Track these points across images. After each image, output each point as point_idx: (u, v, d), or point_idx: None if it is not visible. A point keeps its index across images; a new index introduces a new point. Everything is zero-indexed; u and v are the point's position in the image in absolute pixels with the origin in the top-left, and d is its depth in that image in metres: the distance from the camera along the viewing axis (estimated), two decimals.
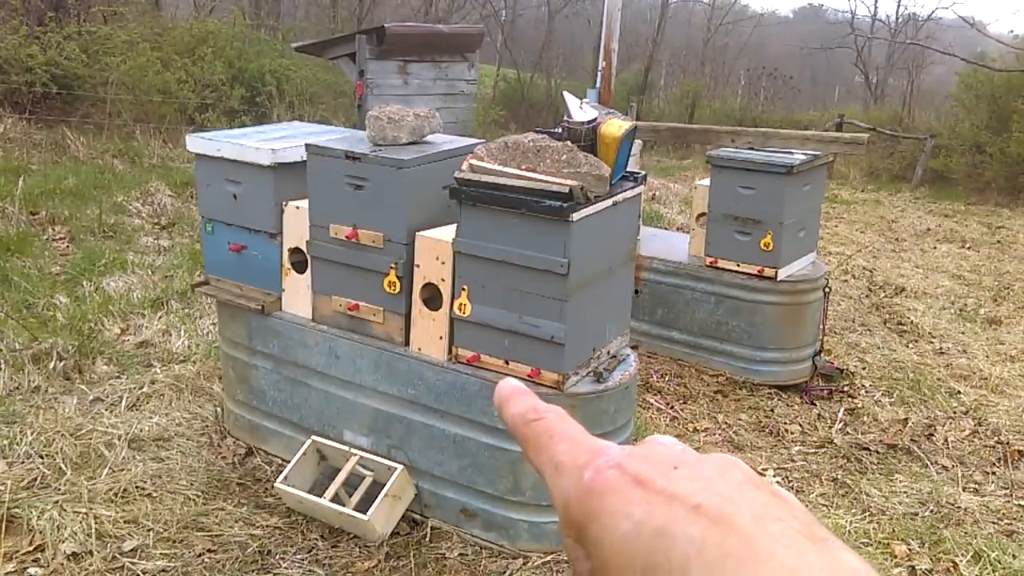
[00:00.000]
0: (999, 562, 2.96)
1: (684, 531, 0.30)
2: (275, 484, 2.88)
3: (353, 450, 2.92)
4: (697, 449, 2.40)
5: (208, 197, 3.17)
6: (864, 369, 4.72)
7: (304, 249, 2.97)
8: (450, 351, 2.75)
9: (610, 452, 0.35)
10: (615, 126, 2.71)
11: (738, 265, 4.27)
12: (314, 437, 3.01)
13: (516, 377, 2.62)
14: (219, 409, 3.51)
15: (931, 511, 3.31)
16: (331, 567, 2.69)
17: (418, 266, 2.73)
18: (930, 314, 5.82)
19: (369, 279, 2.82)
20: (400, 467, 2.82)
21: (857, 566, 0.30)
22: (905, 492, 3.46)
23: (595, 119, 2.72)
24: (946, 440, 3.94)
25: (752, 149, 4.53)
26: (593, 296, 2.66)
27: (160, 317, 4.49)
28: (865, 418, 4.12)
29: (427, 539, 2.82)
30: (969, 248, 8.16)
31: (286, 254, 3.05)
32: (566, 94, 2.91)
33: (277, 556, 2.73)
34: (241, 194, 3.05)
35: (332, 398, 3.01)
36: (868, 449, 3.80)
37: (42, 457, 3.13)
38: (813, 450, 3.79)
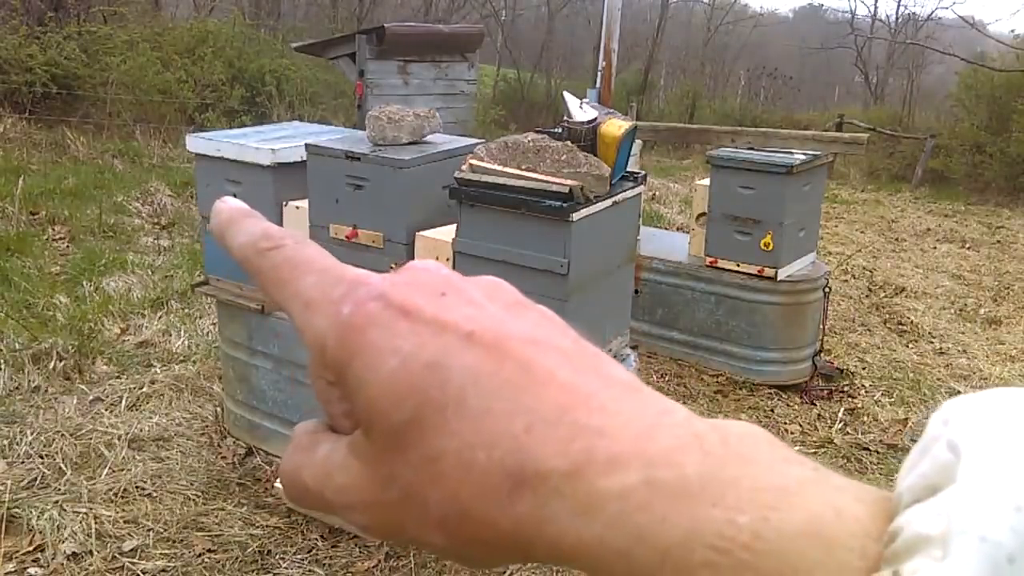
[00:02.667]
0: None
1: (458, 361, 0.28)
2: (275, 484, 2.88)
3: None
4: None
5: (208, 197, 3.17)
6: (864, 369, 4.72)
7: None
8: None
9: (369, 281, 0.31)
10: (615, 126, 2.71)
11: (738, 265, 4.27)
12: None
13: None
14: (219, 409, 3.52)
15: None
16: (331, 567, 2.69)
17: None
18: (930, 314, 5.82)
19: None
20: None
21: (627, 378, 0.29)
22: None
23: (595, 119, 2.73)
24: None
25: (752, 149, 4.53)
26: (593, 296, 2.66)
27: (160, 317, 4.49)
28: (865, 418, 4.12)
29: None
30: (969, 248, 8.16)
31: None
32: (566, 94, 2.91)
33: (277, 556, 2.73)
34: (241, 194, 3.04)
35: None
36: (868, 449, 3.80)
37: (42, 457, 3.13)
38: (813, 450, 3.79)
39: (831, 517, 0.24)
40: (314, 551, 2.77)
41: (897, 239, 8.33)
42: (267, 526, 2.88)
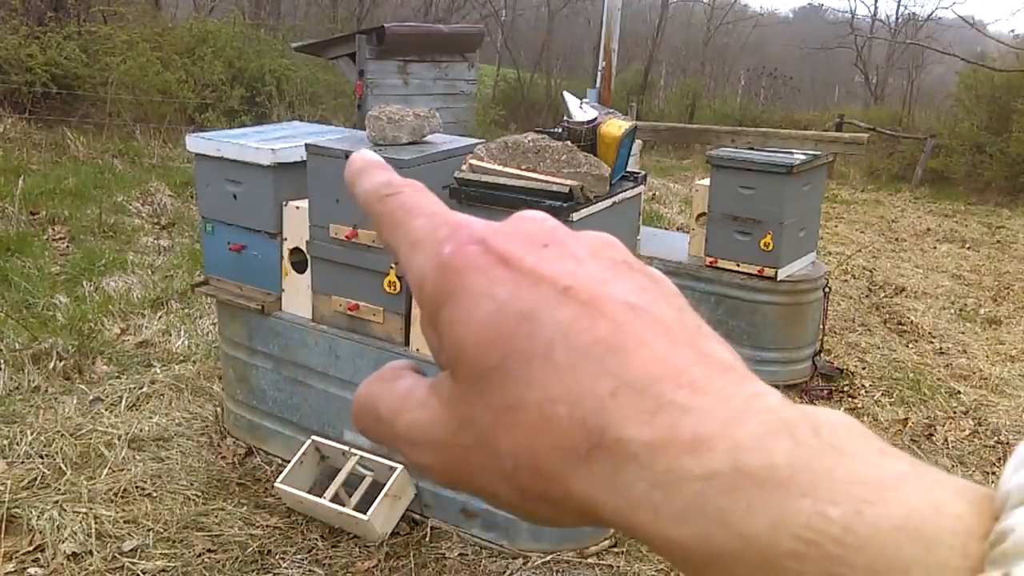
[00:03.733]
0: None
1: (551, 315, 0.28)
2: (275, 484, 2.88)
3: (353, 450, 2.92)
4: None
5: (208, 197, 3.17)
6: (864, 369, 4.72)
7: (304, 249, 2.97)
8: None
9: (473, 226, 0.31)
10: (615, 126, 2.71)
11: (738, 265, 4.27)
12: (314, 437, 3.01)
13: None
14: (219, 409, 3.51)
15: None
16: (331, 567, 2.69)
17: None
18: (930, 314, 5.82)
19: (369, 279, 2.82)
20: (400, 467, 2.82)
21: (723, 355, 0.28)
22: None
23: (595, 119, 2.73)
24: (946, 440, 3.94)
25: (752, 149, 4.53)
26: None
27: (160, 317, 4.50)
28: (865, 418, 4.12)
29: (427, 539, 2.82)
30: (969, 248, 8.16)
31: (286, 254, 3.05)
32: (566, 94, 2.91)
33: (277, 556, 2.73)
34: (241, 194, 3.05)
35: (332, 398, 3.02)
36: None
37: (42, 457, 3.13)
38: None
39: (930, 513, 0.23)
40: (314, 551, 2.77)
41: (897, 239, 8.33)
42: (267, 526, 2.88)
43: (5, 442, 3.19)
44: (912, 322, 5.57)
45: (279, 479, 2.87)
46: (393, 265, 2.75)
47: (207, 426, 3.48)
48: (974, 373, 4.80)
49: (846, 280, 6.46)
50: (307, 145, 2.85)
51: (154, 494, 3.00)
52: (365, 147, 2.78)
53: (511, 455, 0.28)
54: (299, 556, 2.74)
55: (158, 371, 3.89)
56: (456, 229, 0.31)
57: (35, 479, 3.00)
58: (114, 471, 3.10)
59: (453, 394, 0.30)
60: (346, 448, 2.94)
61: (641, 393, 0.26)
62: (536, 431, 0.27)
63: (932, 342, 5.28)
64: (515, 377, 0.27)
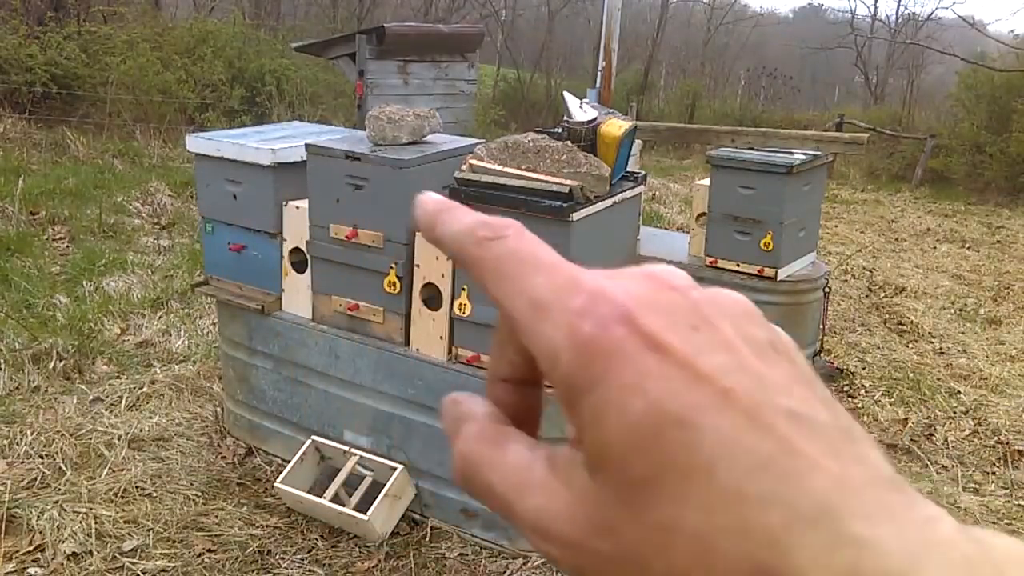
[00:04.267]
0: None
1: (712, 423, 0.25)
2: (275, 484, 2.88)
3: (353, 450, 2.92)
4: None
5: (208, 197, 3.17)
6: (864, 369, 4.72)
7: (304, 249, 2.97)
8: (450, 351, 2.75)
9: (613, 298, 0.28)
10: (615, 126, 2.71)
11: (738, 265, 4.27)
12: (314, 437, 3.01)
13: None
14: (219, 409, 3.51)
15: None
16: (331, 567, 2.69)
17: (418, 266, 2.73)
18: (930, 314, 5.82)
19: (369, 279, 2.82)
20: (400, 467, 2.82)
21: (890, 472, 0.26)
22: None
23: (595, 119, 2.73)
24: (946, 440, 3.94)
25: (752, 149, 4.53)
26: None
27: (160, 317, 4.49)
28: (865, 418, 4.12)
29: (427, 539, 2.82)
30: (969, 248, 8.16)
31: (286, 254, 3.05)
32: (566, 94, 2.91)
33: (277, 556, 2.73)
34: (241, 194, 3.05)
35: (332, 398, 3.01)
36: None
37: (42, 457, 3.13)
38: None
39: None
40: (314, 551, 2.77)
41: (897, 239, 8.33)
42: (267, 526, 2.87)
43: (5, 442, 3.19)
44: (912, 322, 5.57)
45: (279, 479, 2.87)
46: (393, 265, 2.75)
47: (207, 426, 3.48)
48: (974, 373, 4.80)
49: (846, 280, 6.46)
50: (307, 145, 2.85)
51: (154, 494, 3.00)
52: (365, 147, 2.78)
53: None
54: (299, 556, 2.74)
55: (158, 371, 3.89)
56: (593, 300, 0.28)
57: (35, 479, 3.00)
58: (114, 471, 3.10)
59: (591, 494, 0.27)
60: (346, 448, 2.94)
61: (815, 525, 0.24)
62: (694, 559, 0.25)
63: (932, 342, 5.28)
64: (671, 494, 0.25)
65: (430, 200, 0.32)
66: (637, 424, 0.25)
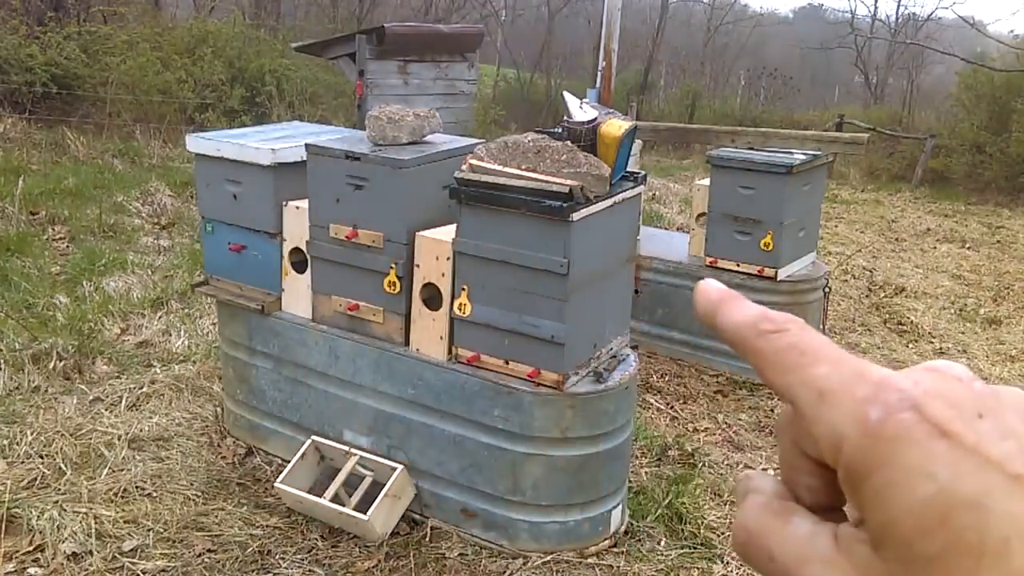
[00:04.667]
0: None
1: (1003, 506, 0.26)
2: (275, 484, 2.88)
3: (353, 450, 2.92)
4: (695, 450, 2.40)
5: (208, 197, 3.17)
6: None
7: (304, 249, 2.97)
8: (450, 351, 2.75)
9: (900, 387, 0.29)
10: (615, 126, 2.71)
11: (738, 265, 4.27)
12: (314, 437, 3.01)
13: (516, 377, 2.63)
14: (219, 409, 3.51)
15: None
16: (331, 567, 2.69)
17: (418, 266, 2.73)
18: (930, 314, 5.82)
19: (369, 279, 2.82)
20: (400, 467, 2.82)
21: None
22: None
23: (595, 119, 2.72)
24: None
25: (752, 149, 4.53)
26: (593, 296, 2.66)
27: (160, 317, 4.49)
28: None
29: (427, 539, 2.82)
30: (969, 248, 8.16)
31: (286, 254, 3.05)
32: (566, 94, 2.91)
33: (277, 556, 2.73)
34: (241, 194, 3.05)
35: (332, 398, 3.01)
36: None
37: (42, 457, 3.13)
38: None
39: None
40: (314, 551, 2.76)
41: (897, 239, 8.33)
42: (267, 526, 2.87)
43: (5, 442, 3.19)
44: (912, 322, 5.57)
45: (279, 479, 2.87)
46: (393, 265, 2.75)
47: (207, 426, 3.48)
48: (974, 373, 4.80)
49: (846, 280, 6.45)
50: (307, 145, 2.85)
51: (154, 494, 3.00)
52: (365, 147, 2.78)
53: None
54: (299, 556, 2.74)
55: (158, 371, 3.89)
56: (880, 388, 0.29)
57: (35, 479, 3.00)
58: (114, 471, 3.10)
59: (875, 570, 0.28)
60: (346, 448, 2.94)
61: None
62: None
63: (932, 342, 5.28)
64: (959, 571, 0.26)
65: (713, 289, 0.35)
66: (925, 504, 0.26)
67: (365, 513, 2.70)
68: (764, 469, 3.55)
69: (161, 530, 2.80)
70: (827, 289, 4.44)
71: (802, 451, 0.31)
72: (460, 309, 2.67)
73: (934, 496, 0.26)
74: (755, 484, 0.33)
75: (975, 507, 0.26)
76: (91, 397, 3.60)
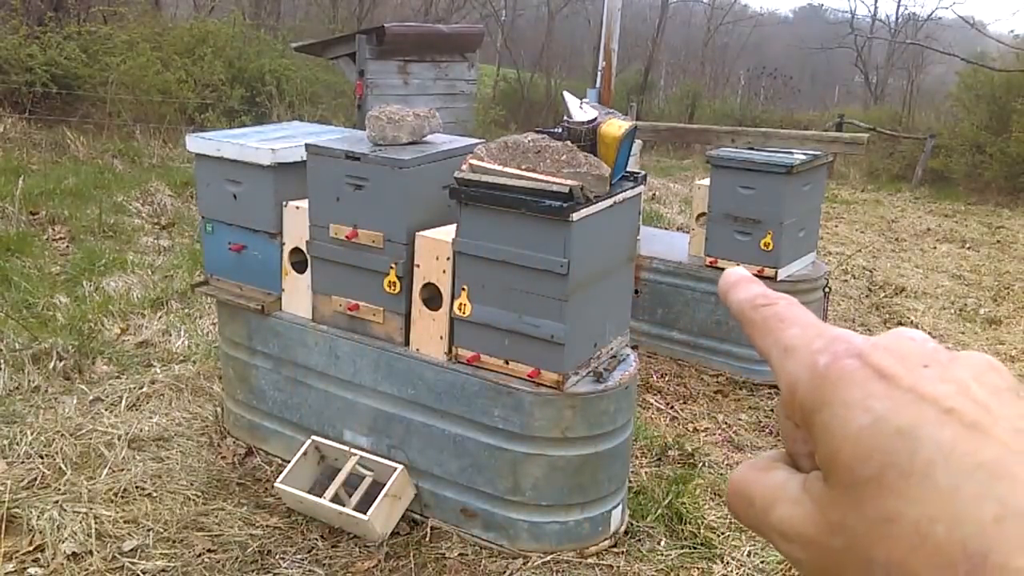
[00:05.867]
0: None
1: (932, 434, 0.28)
2: (275, 484, 2.88)
3: (353, 450, 2.92)
4: (695, 450, 2.39)
5: (208, 197, 3.17)
6: None
7: (304, 249, 2.97)
8: (450, 351, 2.75)
9: (849, 340, 0.33)
10: (615, 126, 2.71)
11: (738, 265, 4.27)
12: (314, 437, 3.01)
13: (516, 377, 2.63)
14: (219, 409, 3.51)
15: None
16: (331, 567, 2.69)
17: (418, 266, 2.73)
18: (930, 314, 5.82)
19: (369, 279, 2.82)
20: (400, 467, 2.82)
21: None
22: None
23: (595, 119, 2.72)
24: None
25: (752, 149, 4.53)
26: (593, 296, 2.66)
27: (160, 317, 4.49)
28: None
29: (427, 539, 2.82)
30: (969, 248, 8.15)
31: (286, 254, 3.05)
32: (566, 94, 2.91)
33: (277, 556, 2.73)
34: (241, 194, 3.05)
35: (332, 398, 3.01)
36: None
37: (42, 457, 3.13)
38: None
39: None
40: (314, 551, 2.76)
41: (897, 239, 8.33)
42: (267, 526, 2.87)
43: (5, 442, 3.19)
44: (912, 322, 5.57)
45: (279, 479, 2.87)
46: (393, 265, 2.75)
47: (207, 426, 3.48)
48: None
49: (846, 280, 6.45)
50: (307, 145, 2.85)
51: (154, 494, 3.00)
52: (365, 147, 2.78)
53: (883, 565, 0.29)
54: (299, 556, 2.74)
55: (158, 371, 3.88)
56: (832, 341, 0.33)
57: (35, 479, 3.00)
58: (114, 471, 3.10)
59: (826, 497, 0.31)
60: (346, 448, 2.94)
61: None
62: (912, 547, 0.28)
63: None
64: (892, 491, 0.28)
65: (732, 272, 0.39)
66: (861, 434, 0.30)
67: (365, 513, 2.70)
68: None
69: (161, 530, 2.80)
70: (827, 289, 4.44)
71: (793, 422, 0.34)
72: (460, 309, 2.67)
73: (870, 425, 0.29)
74: (761, 457, 0.37)
75: (905, 434, 0.29)
76: (91, 397, 3.60)
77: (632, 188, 2.77)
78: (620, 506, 2.92)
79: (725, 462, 3.56)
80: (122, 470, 3.11)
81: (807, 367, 0.32)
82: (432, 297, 2.76)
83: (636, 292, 4.32)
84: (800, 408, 0.33)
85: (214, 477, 3.14)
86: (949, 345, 5.21)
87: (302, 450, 2.96)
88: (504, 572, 2.70)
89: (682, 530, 2.98)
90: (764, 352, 0.36)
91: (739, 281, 0.38)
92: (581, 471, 2.73)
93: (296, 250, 3.03)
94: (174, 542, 2.76)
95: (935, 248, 8.05)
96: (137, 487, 3.02)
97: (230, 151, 3.01)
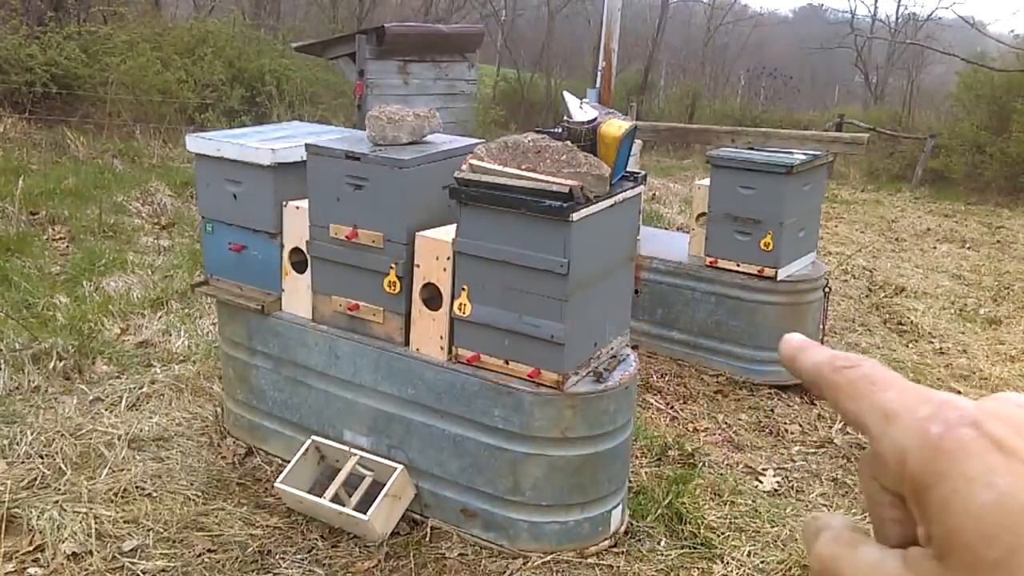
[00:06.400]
0: None
1: None
2: (275, 484, 2.88)
3: (353, 450, 2.92)
4: (695, 450, 2.39)
5: (208, 197, 3.17)
6: None
7: (304, 249, 2.97)
8: (450, 351, 2.75)
9: (960, 406, 0.31)
10: (615, 126, 2.71)
11: (738, 265, 4.27)
12: (314, 437, 3.01)
13: (516, 377, 2.63)
14: (219, 409, 3.51)
15: None
16: (331, 567, 2.69)
17: (418, 266, 2.74)
18: (930, 314, 5.82)
19: (369, 279, 2.82)
20: (400, 467, 2.82)
21: None
22: None
23: (595, 119, 2.72)
24: None
25: (752, 149, 4.53)
26: (593, 296, 2.66)
27: (160, 317, 4.49)
28: None
29: (427, 539, 2.82)
30: (969, 248, 8.15)
31: (286, 254, 3.05)
32: (566, 94, 2.91)
33: (277, 556, 2.73)
34: (241, 194, 3.05)
35: (332, 398, 3.01)
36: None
37: (42, 457, 3.13)
38: (813, 450, 3.79)
39: None
40: (314, 551, 2.76)
41: (897, 239, 8.33)
42: (267, 526, 2.87)
43: (5, 442, 3.19)
44: (912, 322, 5.57)
45: (279, 479, 2.87)
46: (393, 265, 2.75)
47: (207, 426, 3.48)
48: (974, 373, 4.80)
49: (846, 280, 6.45)
50: (307, 145, 2.85)
51: (154, 494, 3.00)
52: (365, 147, 2.78)
53: None
54: (299, 556, 2.74)
55: (158, 371, 3.88)
56: (940, 407, 0.31)
57: (35, 479, 3.00)
58: (114, 471, 3.10)
59: None
60: (346, 448, 2.94)
61: None
62: None
63: (932, 342, 5.28)
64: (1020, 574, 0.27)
65: (795, 337, 0.39)
66: (985, 511, 0.28)
67: (365, 513, 2.70)
68: (764, 469, 3.55)
69: (161, 530, 2.80)
70: (827, 289, 4.44)
71: (882, 485, 0.33)
72: (460, 309, 2.67)
73: (994, 503, 0.28)
74: (825, 522, 0.36)
75: None
76: (91, 397, 3.60)
77: (632, 188, 2.77)
78: (620, 506, 2.92)
79: (725, 462, 3.56)
80: (122, 470, 3.11)
81: (917, 436, 0.31)
82: (432, 297, 2.76)
83: (636, 292, 4.32)
84: (911, 480, 0.31)
85: (214, 477, 3.14)
86: (949, 345, 5.21)
87: (302, 450, 2.96)
88: (504, 572, 2.70)
89: (682, 530, 2.98)
90: (855, 417, 0.34)
91: (806, 344, 0.38)
92: (581, 471, 2.73)
93: (296, 250, 3.03)
94: (174, 542, 2.76)
95: (935, 248, 8.05)
96: (137, 487, 3.02)
97: (230, 151, 3.01)
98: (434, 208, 2.78)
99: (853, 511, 3.29)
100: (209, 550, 2.73)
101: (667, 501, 3.09)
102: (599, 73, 7.13)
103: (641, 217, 4.16)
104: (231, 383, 3.36)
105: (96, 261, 5.21)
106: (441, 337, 2.75)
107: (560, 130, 2.77)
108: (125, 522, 2.83)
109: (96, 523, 2.78)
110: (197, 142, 3.11)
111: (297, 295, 3.06)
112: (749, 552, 2.92)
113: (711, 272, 4.36)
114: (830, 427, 3.99)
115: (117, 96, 9.50)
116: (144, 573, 2.61)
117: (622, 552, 2.84)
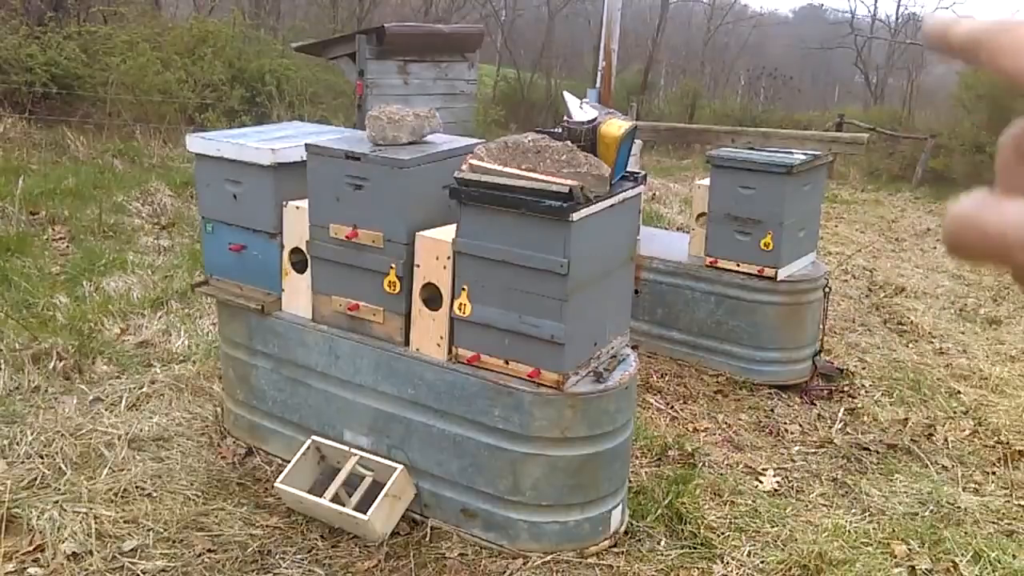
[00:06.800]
0: (999, 562, 2.96)
1: None
2: (275, 484, 2.88)
3: (353, 450, 2.92)
4: (695, 450, 2.39)
5: (208, 197, 3.17)
6: (864, 369, 4.72)
7: (304, 249, 2.97)
8: (450, 351, 2.75)
9: None
10: (615, 126, 2.71)
11: (738, 265, 4.27)
12: (314, 437, 3.01)
13: (516, 377, 2.63)
14: (219, 409, 3.51)
15: (931, 511, 3.31)
16: (331, 567, 2.69)
17: (418, 266, 2.73)
18: (930, 314, 5.82)
19: (369, 279, 2.82)
20: (400, 467, 2.82)
21: None
22: (905, 492, 3.46)
23: (595, 119, 2.72)
24: (946, 440, 3.94)
25: (752, 149, 4.53)
26: (593, 296, 2.66)
27: (160, 317, 4.49)
28: (865, 418, 4.12)
29: (427, 539, 2.82)
30: None
31: (286, 254, 3.05)
32: (566, 94, 2.91)
33: (277, 556, 2.73)
34: (241, 194, 3.05)
35: (332, 398, 3.01)
36: (868, 449, 3.80)
37: (42, 457, 3.13)
38: (813, 450, 3.79)
39: None
40: (314, 551, 2.77)
41: (897, 239, 8.33)
42: (267, 526, 2.87)
43: (5, 442, 3.19)
44: (912, 322, 5.57)
45: (279, 479, 2.87)
46: (393, 265, 2.75)
47: (207, 426, 3.48)
48: (974, 373, 4.80)
49: (846, 280, 6.45)
50: (307, 145, 2.85)
51: (154, 494, 3.00)
52: (365, 147, 2.78)
53: None
54: (299, 556, 2.74)
55: (158, 371, 3.88)
56: None
57: (35, 479, 3.00)
58: (114, 471, 3.10)
59: None
60: (346, 448, 2.94)
61: None
62: None
63: (932, 342, 5.28)
64: None
65: (938, 16, 0.37)
66: None
67: (365, 513, 2.70)
68: (764, 469, 3.55)
69: (161, 530, 2.80)
70: (827, 289, 4.44)
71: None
72: (460, 309, 2.67)
73: None
74: (963, 200, 0.35)
75: None
76: (91, 397, 3.60)
77: (632, 188, 2.77)
78: (620, 506, 2.92)
79: (725, 462, 3.56)
80: (122, 470, 3.11)
81: None
82: (432, 297, 2.76)
83: (636, 292, 4.32)
84: None
85: (214, 477, 3.14)
86: (949, 345, 5.21)
87: (302, 450, 2.96)
88: (504, 572, 2.70)
89: (682, 530, 2.98)
90: (1019, 74, 0.33)
91: (950, 18, 0.36)
92: (581, 471, 2.73)
93: (296, 250, 3.03)
94: (174, 542, 2.76)
95: (935, 248, 8.05)
96: (137, 487, 3.02)
97: (230, 151, 3.01)
98: (434, 208, 2.78)
99: (852, 511, 3.29)
100: (209, 550, 2.73)
101: (667, 501, 3.09)
102: (599, 73, 7.13)
103: (641, 217, 4.16)
104: (231, 383, 3.36)
105: (96, 261, 5.21)
106: (441, 337, 2.75)
107: (560, 130, 2.77)
108: (125, 522, 2.83)
109: (96, 523, 2.78)
110: (197, 142, 3.11)
111: (297, 295, 3.06)
112: (749, 552, 2.92)
113: (711, 272, 4.36)
114: (830, 427, 3.99)
115: (117, 96, 9.50)
116: (144, 573, 2.61)
117: (622, 552, 2.84)
